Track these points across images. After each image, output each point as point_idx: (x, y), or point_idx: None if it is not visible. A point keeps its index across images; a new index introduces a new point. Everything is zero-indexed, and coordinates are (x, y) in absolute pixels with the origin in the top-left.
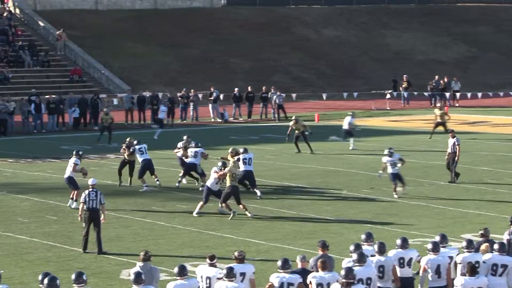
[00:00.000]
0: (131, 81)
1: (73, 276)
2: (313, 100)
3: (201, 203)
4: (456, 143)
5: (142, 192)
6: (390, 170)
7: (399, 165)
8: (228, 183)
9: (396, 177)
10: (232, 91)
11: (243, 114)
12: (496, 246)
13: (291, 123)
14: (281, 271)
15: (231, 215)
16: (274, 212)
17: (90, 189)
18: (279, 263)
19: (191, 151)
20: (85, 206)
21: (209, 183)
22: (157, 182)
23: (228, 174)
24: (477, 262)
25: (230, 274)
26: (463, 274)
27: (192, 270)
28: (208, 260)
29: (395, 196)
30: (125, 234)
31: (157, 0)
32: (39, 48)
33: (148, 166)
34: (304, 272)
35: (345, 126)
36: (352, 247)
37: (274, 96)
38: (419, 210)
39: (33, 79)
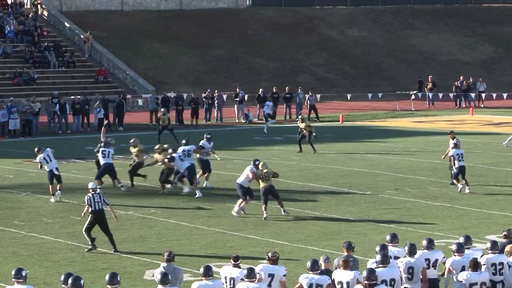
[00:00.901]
0: (156, 82)
1: (107, 277)
2: (338, 101)
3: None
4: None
5: (165, 193)
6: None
7: None
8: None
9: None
10: (256, 91)
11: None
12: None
13: (298, 122)
14: (310, 272)
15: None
16: (298, 212)
17: (93, 192)
18: (308, 264)
19: (182, 150)
20: (90, 209)
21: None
22: (120, 186)
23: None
24: (501, 263)
25: (251, 275)
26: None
27: (216, 271)
28: (232, 261)
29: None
30: (149, 235)
31: (183, 1)
32: (65, 49)
33: (109, 169)
34: (327, 273)
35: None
36: (377, 248)
37: (300, 96)
38: (444, 211)
39: (58, 80)
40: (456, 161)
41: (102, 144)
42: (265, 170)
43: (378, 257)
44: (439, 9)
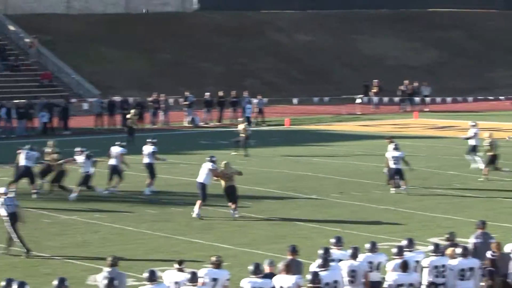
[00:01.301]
0: (103, 86)
1: (55, 282)
2: (284, 105)
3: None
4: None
5: (108, 196)
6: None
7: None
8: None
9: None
10: (203, 96)
11: (213, 118)
12: (459, 250)
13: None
14: (253, 276)
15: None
16: (243, 216)
17: (5, 197)
18: (251, 268)
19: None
20: (5, 212)
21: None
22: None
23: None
24: (444, 265)
25: (193, 279)
26: (394, 270)
27: (161, 276)
28: (176, 265)
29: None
30: (93, 239)
31: (129, 5)
32: (9, 53)
33: (26, 173)
34: (272, 277)
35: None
36: (320, 251)
37: (246, 100)
38: (388, 214)
39: (2, 84)
40: (391, 163)
41: (28, 146)
42: (230, 171)
43: (320, 261)
44: (385, 14)
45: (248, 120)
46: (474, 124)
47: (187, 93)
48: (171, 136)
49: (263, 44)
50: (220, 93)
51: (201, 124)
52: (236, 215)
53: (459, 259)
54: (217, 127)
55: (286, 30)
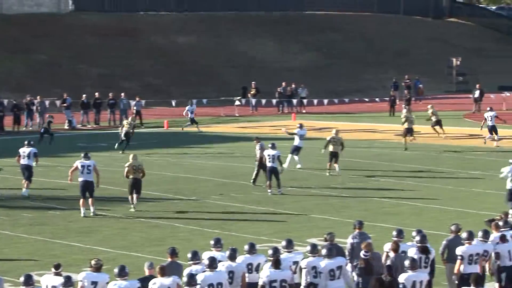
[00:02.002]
0: None
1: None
2: (163, 107)
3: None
4: (258, 148)
5: None
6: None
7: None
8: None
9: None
10: (80, 97)
11: (90, 120)
12: (324, 252)
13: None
14: (119, 278)
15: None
16: (123, 219)
17: None
18: (115, 270)
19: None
20: None
21: None
22: None
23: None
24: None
25: (67, 283)
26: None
27: (38, 280)
28: (53, 269)
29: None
30: None
31: (3, 5)
32: None
33: None
34: (151, 279)
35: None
36: (189, 255)
37: (124, 102)
38: (267, 216)
39: None
40: (267, 162)
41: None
42: (138, 164)
43: (206, 261)
44: (264, 16)
45: (192, 120)
46: (299, 125)
47: (65, 95)
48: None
49: (141, 45)
50: (97, 95)
51: (79, 126)
52: (133, 209)
53: (326, 260)
54: (95, 129)
55: (165, 32)
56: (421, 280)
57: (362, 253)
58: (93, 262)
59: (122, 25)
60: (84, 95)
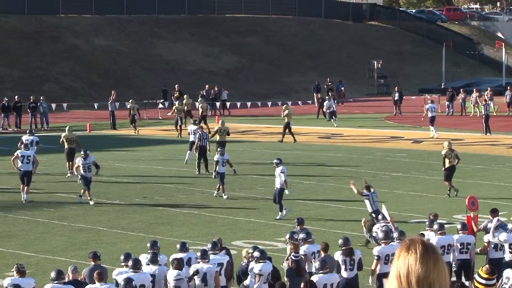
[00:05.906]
0: None
1: None
2: (85, 110)
3: None
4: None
5: None
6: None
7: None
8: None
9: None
10: (1, 101)
11: (11, 124)
12: (256, 254)
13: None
14: (55, 282)
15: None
16: (45, 223)
17: None
18: (52, 274)
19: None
20: None
21: None
22: None
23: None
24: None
25: None
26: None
27: None
28: None
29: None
30: None
31: None
32: None
33: None
34: (76, 284)
35: None
36: (122, 257)
37: (44, 105)
38: (191, 218)
39: None
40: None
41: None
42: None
43: (130, 263)
44: (184, 19)
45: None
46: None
47: None
48: None
49: (61, 48)
50: (16, 98)
51: (0, 130)
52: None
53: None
54: (16, 132)
55: (84, 35)
56: (332, 283)
57: (293, 254)
58: (17, 266)
59: (42, 27)
60: (5, 99)
